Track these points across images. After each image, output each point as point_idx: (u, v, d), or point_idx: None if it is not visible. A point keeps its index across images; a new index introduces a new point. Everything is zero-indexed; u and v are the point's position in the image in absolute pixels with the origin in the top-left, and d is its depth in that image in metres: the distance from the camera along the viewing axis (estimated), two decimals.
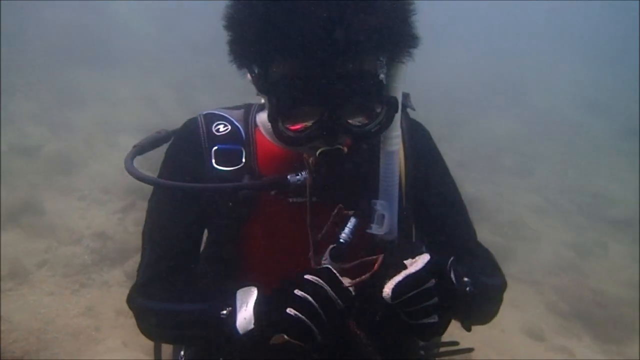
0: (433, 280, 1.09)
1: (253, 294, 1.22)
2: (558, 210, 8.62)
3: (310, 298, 1.09)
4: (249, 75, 1.29)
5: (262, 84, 1.25)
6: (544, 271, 6.20)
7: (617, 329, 5.44)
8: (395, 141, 1.32)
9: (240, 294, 1.24)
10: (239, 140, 1.43)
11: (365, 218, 1.33)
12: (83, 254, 5.10)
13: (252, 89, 1.31)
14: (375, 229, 1.32)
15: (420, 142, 1.52)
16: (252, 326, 1.16)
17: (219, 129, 1.45)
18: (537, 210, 8.26)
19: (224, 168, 1.39)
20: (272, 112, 1.22)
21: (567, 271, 6.26)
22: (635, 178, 10.63)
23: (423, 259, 1.11)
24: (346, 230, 1.31)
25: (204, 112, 1.49)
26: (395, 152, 1.33)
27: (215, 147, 1.42)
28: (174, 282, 1.42)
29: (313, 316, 1.08)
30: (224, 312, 1.21)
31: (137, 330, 4.65)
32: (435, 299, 1.09)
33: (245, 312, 1.19)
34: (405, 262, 1.13)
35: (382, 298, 1.08)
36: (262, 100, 1.46)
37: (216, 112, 1.50)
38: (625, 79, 16.90)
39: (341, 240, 1.30)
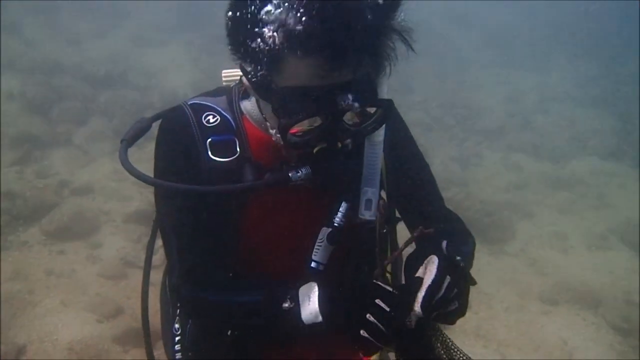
0: (448, 278, 1.22)
1: (315, 289, 1.32)
2: (440, 125, 9.38)
3: (380, 326, 1.20)
4: (245, 80, 1.31)
5: (266, 93, 1.27)
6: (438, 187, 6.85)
7: (499, 231, 6.30)
8: (381, 132, 1.42)
9: (302, 289, 1.34)
10: (231, 130, 1.45)
11: (354, 203, 1.46)
12: None
13: None
14: (367, 215, 1.46)
15: (394, 124, 1.61)
16: (319, 320, 1.28)
17: (209, 120, 1.45)
18: (423, 126, 8.91)
19: (221, 159, 1.43)
20: (282, 125, 1.25)
21: (455, 184, 6.94)
22: (500, 88, 11.79)
23: (433, 263, 1.24)
24: (339, 214, 1.45)
25: (189, 102, 1.49)
26: (380, 142, 1.45)
27: (210, 139, 1.43)
28: (216, 270, 1.48)
29: (381, 338, 1.21)
30: (286, 304, 1.32)
31: (75, 287, 4.58)
32: (455, 291, 1.22)
33: (310, 307, 1.29)
34: (417, 275, 1.26)
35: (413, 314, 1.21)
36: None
37: (201, 102, 1.50)
38: None
39: (335, 224, 1.44)
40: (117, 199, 5.55)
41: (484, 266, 5.74)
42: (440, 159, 7.75)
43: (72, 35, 9.66)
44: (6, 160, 5.74)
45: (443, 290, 1.20)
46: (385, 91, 1.33)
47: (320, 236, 1.46)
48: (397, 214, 1.68)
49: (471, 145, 8.95)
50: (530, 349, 4.64)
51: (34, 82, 7.25)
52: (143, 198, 5.61)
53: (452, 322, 1.28)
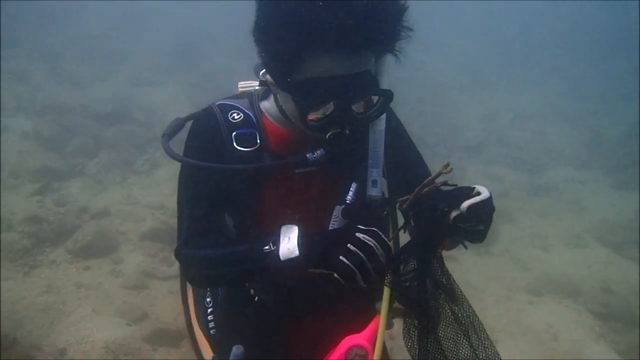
0: (494, 206, 1.42)
1: (295, 229, 1.45)
2: (424, 144, 9.93)
3: (360, 253, 1.34)
4: (269, 76, 1.51)
5: (287, 85, 1.44)
6: None
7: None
8: (382, 122, 1.58)
9: (283, 229, 1.47)
10: (252, 125, 1.63)
11: (361, 184, 1.63)
12: (21, 239, 5.18)
13: None
14: (374, 192, 1.60)
15: (388, 115, 1.71)
16: (295, 255, 1.39)
17: (234, 116, 1.64)
18: None
19: (245, 149, 1.60)
20: (302, 110, 1.44)
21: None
22: (476, 108, 12.45)
23: (484, 189, 1.43)
24: (350, 193, 1.62)
25: (217, 103, 1.68)
26: (382, 130, 1.59)
27: (234, 133, 1.61)
28: (214, 236, 1.63)
29: (360, 266, 1.34)
30: (266, 247, 1.44)
31: (103, 298, 5.03)
32: (488, 219, 1.42)
33: (288, 244, 1.41)
34: (463, 189, 1.45)
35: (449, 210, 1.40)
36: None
37: (227, 102, 1.69)
38: None
39: (347, 202, 1.61)
40: (132, 221, 5.98)
41: (472, 265, 6.17)
42: None
43: (75, 79, 10.23)
44: (27, 192, 6.12)
45: (485, 210, 1.40)
46: (385, 82, 1.49)
47: (334, 213, 1.62)
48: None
49: (454, 161, 9.44)
50: (520, 334, 5.04)
51: (46, 122, 7.72)
52: (155, 218, 6.04)
53: (474, 241, 1.46)
